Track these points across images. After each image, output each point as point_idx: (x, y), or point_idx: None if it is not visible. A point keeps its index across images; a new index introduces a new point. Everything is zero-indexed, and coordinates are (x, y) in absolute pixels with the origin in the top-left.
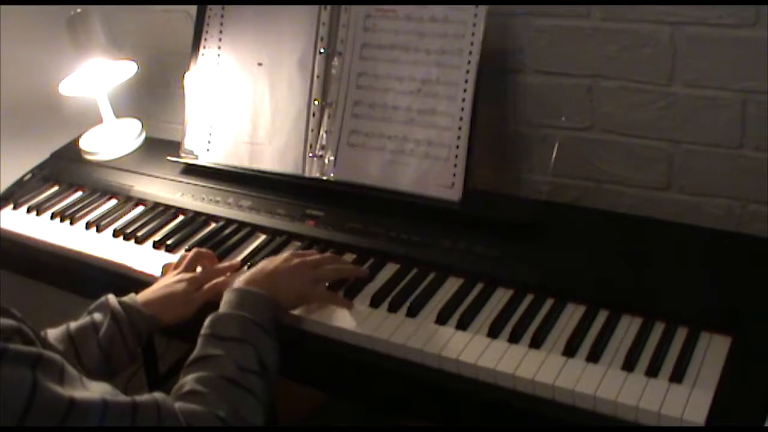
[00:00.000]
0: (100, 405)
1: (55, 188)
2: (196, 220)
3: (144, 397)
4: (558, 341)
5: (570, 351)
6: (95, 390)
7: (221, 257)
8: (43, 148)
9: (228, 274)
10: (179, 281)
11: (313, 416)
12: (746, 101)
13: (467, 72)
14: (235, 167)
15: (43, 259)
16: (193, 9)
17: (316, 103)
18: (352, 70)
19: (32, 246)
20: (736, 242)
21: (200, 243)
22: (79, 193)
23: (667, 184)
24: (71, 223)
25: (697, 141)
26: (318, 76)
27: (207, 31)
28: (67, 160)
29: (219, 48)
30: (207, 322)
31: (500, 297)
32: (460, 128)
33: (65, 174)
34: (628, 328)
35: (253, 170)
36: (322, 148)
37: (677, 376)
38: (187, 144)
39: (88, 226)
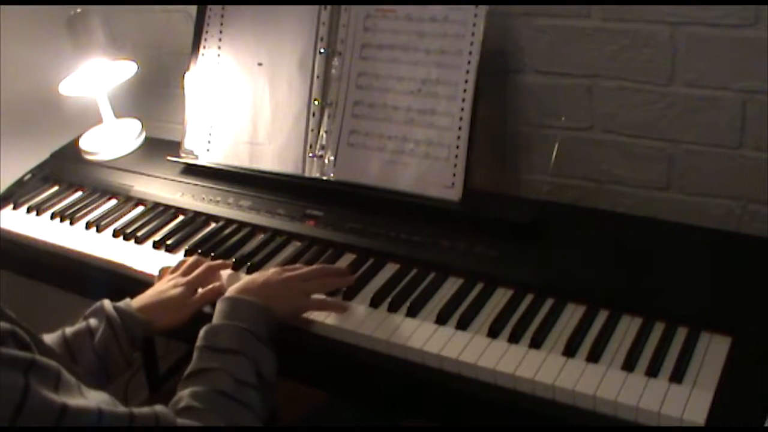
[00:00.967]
0: (95, 414)
1: (55, 188)
2: (196, 220)
3: (143, 410)
4: (558, 341)
5: (570, 351)
6: (92, 398)
7: (221, 257)
8: (43, 148)
9: (223, 278)
10: (174, 286)
11: (313, 416)
12: (746, 101)
13: (467, 72)
14: (235, 167)
15: (43, 259)
16: (193, 9)
17: (316, 103)
18: (352, 70)
19: (32, 246)
20: (736, 242)
21: (200, 243)
22: (79, 193)
23: (667, 184)
24: (71, 223)
25: (697, 141)
26: (318, 76)
27: (207, 31)
28: (67, 160)
29: (219, 48)
30: (201, 333)
31: (500, 297)
32: (460, 128)
33: (65, 174)
34: (628, 328)
35: (253, 170)
36: (322, 148)
37: (677, 376)
38: (187, 144)
39: (88, 226)
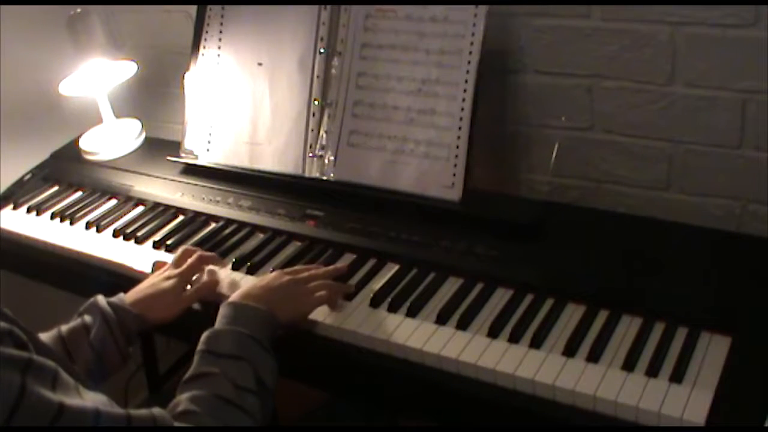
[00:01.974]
0: (92, 414)
1: (55, 188)
2: (196, 220)
3: (141, 412)
4: (558, 341)
5: (570, 351)
6: (90, 399)
7: (221, 258)
8: (43, 148)
9: (216, 270)
10: (167, 278)
11: (313, 416)
12: (746, 101)
13: (467, 72)
14: (235, 167)
15: (43, 259)
16: (193, 9)
17: (316, 103)
18: (352, 70)
19: (32, 246)
20: (736, 242)
21: (200, 243)
22: (79, 193)
23: (667, 184)
24: (71, 223)
25: (697, 141)
26: (318, 76)
27: (207, 31)
28: (67, 160)
29: (219, 48)
30: (203, 337)
31: (500, 297)
32: (460, 128)
33: (65, 174)
34: (628, 328)
35: (253, 170)
36: (322, 148)
37: (677, 376)
38: (187, 144)
39: (88, 226)
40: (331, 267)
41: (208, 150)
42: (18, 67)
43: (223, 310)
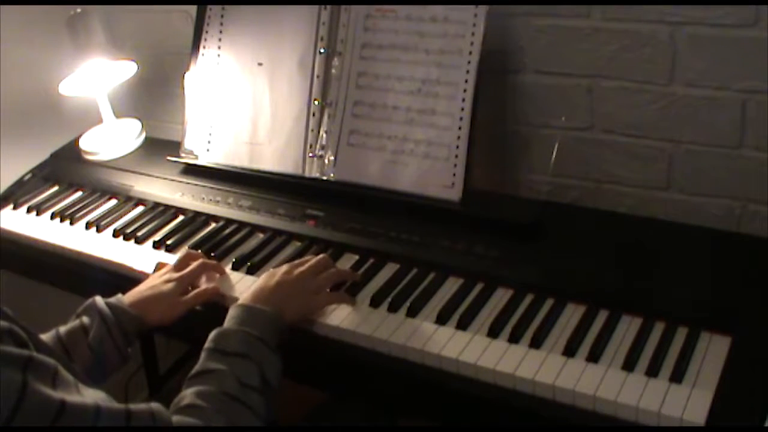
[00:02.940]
0: (93, 410)
1: (55, 188)
2: (196, 220)
3: (139, 406)
4: (558, 341)
5: (570, 351)
6: (90, 396)
7: (221, 257)
8: (43, 148)
9: (216, 277)
10: (167, 281)
11: (313, 416)
12: (746, 101)
13: (467, 72)
14: (235, 167)
15: (43, 259)
16: (193, 9)
17: (316, 103)
18: (352, 70)
19: (32, 246)
20: (736, 242)
21: (200, 243)
22: (79, 193)
23: (667, 184)
24: (71, 223)
25: (697, 141)
26: (318, 76)
27: (207, 31)
28: (67, 160)
29: (219, 48)
30: (211, 336)
31: (500, 297)
32: (460, 128)
33: (65, 174)
34: (628, 328)
35: (253, 170)
36: (322, 148)
37: (677, 376)
38: (187, 144)
39: (88, 226)
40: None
41: (208, 150)
42: (18, 67)
43: (232, 312)
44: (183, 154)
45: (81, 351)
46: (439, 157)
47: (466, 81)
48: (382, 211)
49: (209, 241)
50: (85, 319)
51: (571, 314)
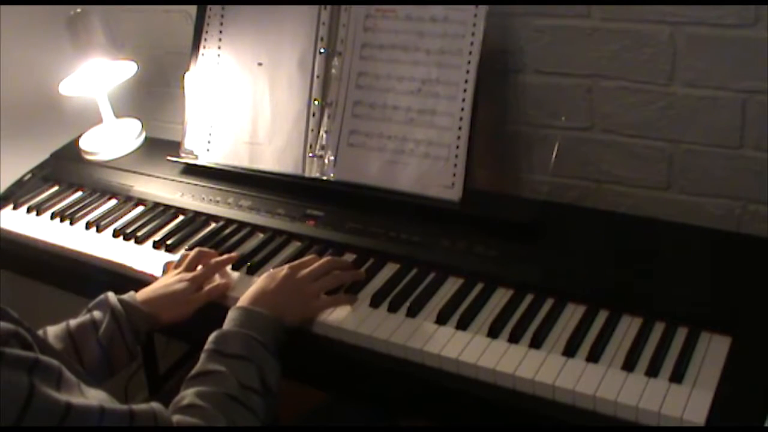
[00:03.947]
0: (97, 411)
1: (55, 188)
2: (196, 220)
3: (141, 406)
4: (558, 341)
5: (570, 351)
6: (92, 397)
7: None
8: (43, 148)
9: (229, 277)
10: (180, 281)
11: (313, 416)
12: (746, 101)
13: (467, 72)
14: (235, 167)
15: (43, 259)
16: (193, 9)
17: (316, 103)
18: (352, 70)
19: (32, 246)
20: (736, 242)
21: (200, 243)
22: (79, 193)
23: (667, 184)
24: (71, 223)
25: (697, 141)
26: (318, 76)
27: (207, 31)
28: (67, 160)
29: (219, 48)
30: (211, 337)
31: (500, 297)
32: (460, 128)
33: (65, 174)
34: (628, 328)
35: (253, 170)
36: (322, 148)
37: (677, 376)
38: (187, 144)
39: (88, 226)
40: (342, 259)
41: (208, 150)
42: (18, 67)
43: (232, 314)
44: (183, 154)
45: (90, 346)
46: (439, 157)
47: (466, 81)
48: (382, 211)
49: (209, 241)
50: (97, 314)
51: (571, 314)
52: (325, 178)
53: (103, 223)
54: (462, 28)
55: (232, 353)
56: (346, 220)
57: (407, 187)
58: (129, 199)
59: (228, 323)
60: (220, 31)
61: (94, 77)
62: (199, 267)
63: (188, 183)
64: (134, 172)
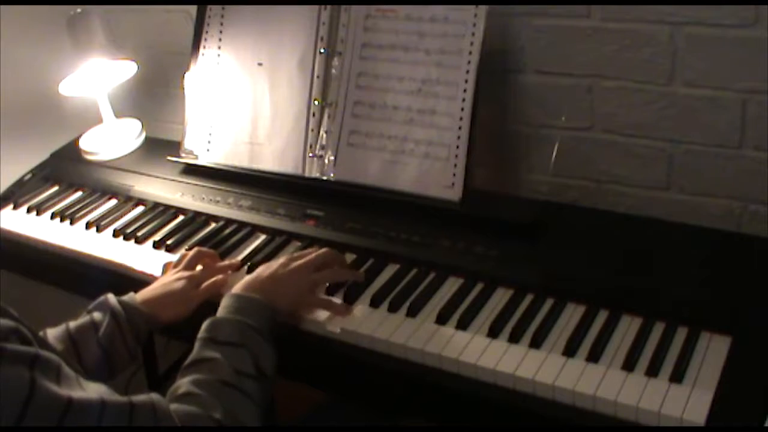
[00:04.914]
0: (98, 405)
1: (55, 188)
2: (196, 220)
3: (140, 398)
4: (558, 341)
5: (570, 351)
6: (92, 390)
7: (221, 257)
8: (43, 148)
9: (228, 272)
10: (178, 279)
11: (313, 416)
12: (746, 101)
13: (467, 72)
14: (235, 167)
15: (43, 259)
16: (193, 9)
17: (316, 103)
18: (352, 70)
19: (32, 246)
20: (736, 242)
21: (200, 243)
22: (79, 193)
23: (667, 184)
24: (71, 223)
25: (697, 141)
26: (318, 76)
27: (207, 31)
28: (67, 160)
29: (219, 48)
30: (204, 325)
31: (500, 297)
32: (460, 128)
33: (65, 174)
34: (628, 328)
35: (253, 170)
36: (322, 148)
37: (677, 376)
38: (187, 144)
39: (88, 226)
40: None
41: (208, 150)
42: (18, 67)
43: (225, 301)
44: (183, 154)
45: (90, 347)
46: (439, 157)
47: (466, 81)
48: (382, 211)
49: (209, 241)
50: (96, 316)
51: (571, 314)
52: (325, 178)
53: (103, 223)
54: (462, 28)
55: (225, 340)
56: (346, 220)
57: (407, 187)
58: (129, 199)
59: (221, 310)
60: (220, 31)
61: (94, 77)
62: (199, 267)
63: (188, 183)
64: (134, 172)
